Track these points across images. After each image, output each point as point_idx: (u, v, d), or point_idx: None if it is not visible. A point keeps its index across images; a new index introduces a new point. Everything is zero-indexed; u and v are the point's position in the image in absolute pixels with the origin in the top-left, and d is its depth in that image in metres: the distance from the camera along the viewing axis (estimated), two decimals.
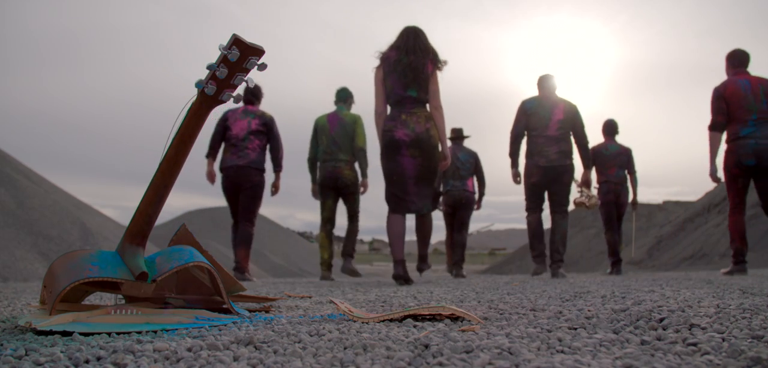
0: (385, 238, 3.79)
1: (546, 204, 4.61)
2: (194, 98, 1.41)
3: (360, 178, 4.78)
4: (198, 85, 1.39)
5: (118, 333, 1.27)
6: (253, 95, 4.85)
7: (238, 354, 0.99)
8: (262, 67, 1.39)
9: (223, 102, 1.41)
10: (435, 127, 3.56)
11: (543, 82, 4.69)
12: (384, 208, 3.72)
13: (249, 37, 1.34)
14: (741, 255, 4.26)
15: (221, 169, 4.75)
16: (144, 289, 1.45)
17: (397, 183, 3.57)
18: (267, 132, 4.74)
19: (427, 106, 3.61)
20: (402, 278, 3.52)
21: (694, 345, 1.01)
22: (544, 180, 4.47)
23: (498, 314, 1.57)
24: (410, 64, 3.50)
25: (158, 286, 1.58)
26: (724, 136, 4.38)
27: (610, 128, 6.01)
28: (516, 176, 4.65)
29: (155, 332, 1.30)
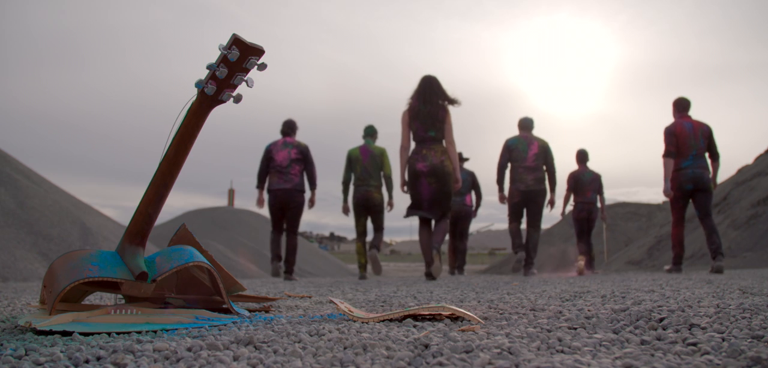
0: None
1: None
2: (194, 98, 1.41)
3: (386, 199, 5.84)
4: (198, 84, 1.39)
5: (118, 333, 1.27)
6: (290, 128, 5.85)
7: (238, 354, 0.99)
8: (262, 67, 1.39)
9: (223, 102, 1.41)
10: (448, 159, 4.50)
11: (523, 123, 5.89)
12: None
13: (249, 37, 1.34)
14: (679, 259, 5.30)
15: (269, 191, 5.71)
16: (144, 289, 1.45)
17: (417, 202, 4.55)
18: (303, 159, 5.70)
19: (443, 142, 4.55)
20: (429, 274, 4.43)
21: (694, 345, 1.01)
22: (523, 200, 5.68)
23: (498, 314, 1.57)
24: (429, 112, 4.49)
25: (158, 286, 1.58)
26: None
27: (582, 156, 7.23)
28: (502, 198, 5.83)
29: (155, 332, 1.30)
